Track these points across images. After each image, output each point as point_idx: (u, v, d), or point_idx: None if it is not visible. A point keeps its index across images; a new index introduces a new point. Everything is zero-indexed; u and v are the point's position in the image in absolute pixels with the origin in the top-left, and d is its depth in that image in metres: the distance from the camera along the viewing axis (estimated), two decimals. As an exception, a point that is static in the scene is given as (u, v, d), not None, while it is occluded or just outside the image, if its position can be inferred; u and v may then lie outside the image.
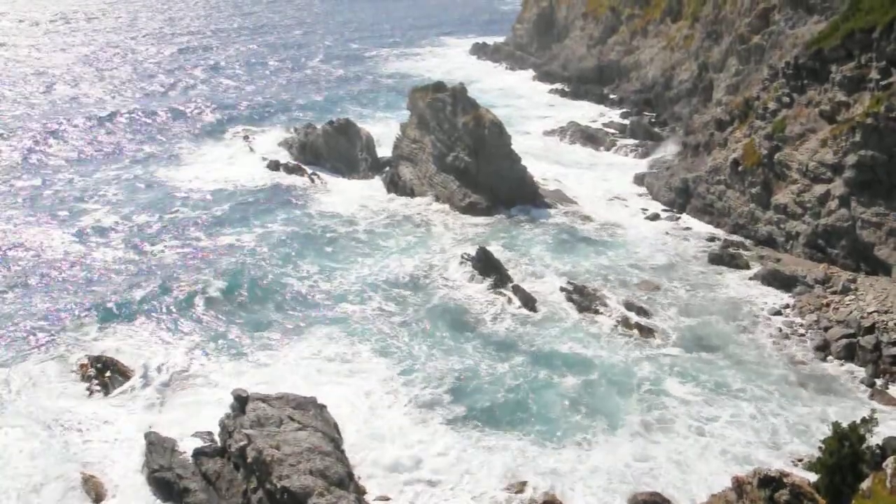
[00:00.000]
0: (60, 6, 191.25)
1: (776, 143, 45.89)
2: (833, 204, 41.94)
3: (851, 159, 40.53)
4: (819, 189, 42.87)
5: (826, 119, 43.87)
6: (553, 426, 30.06)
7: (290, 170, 61.65)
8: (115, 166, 62.28)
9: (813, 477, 22.39)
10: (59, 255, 44.38)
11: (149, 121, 75.82)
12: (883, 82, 40.50)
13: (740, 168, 48.13)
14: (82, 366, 32.61)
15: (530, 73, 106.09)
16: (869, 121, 39.61)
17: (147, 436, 27.55)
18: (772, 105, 47.65)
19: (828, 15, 51.80)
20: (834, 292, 39.45)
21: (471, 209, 52.78)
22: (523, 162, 55.20)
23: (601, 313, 38.68)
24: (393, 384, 32.45)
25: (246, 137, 70.10)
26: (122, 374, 32.60)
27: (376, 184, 59.07)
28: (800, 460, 27.90)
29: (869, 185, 40.14)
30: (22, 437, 28.05)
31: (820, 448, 23.44)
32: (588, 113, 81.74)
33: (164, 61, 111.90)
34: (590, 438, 29.33)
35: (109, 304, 38.50)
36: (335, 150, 63.31)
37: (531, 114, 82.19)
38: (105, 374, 32.09)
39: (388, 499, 26.05)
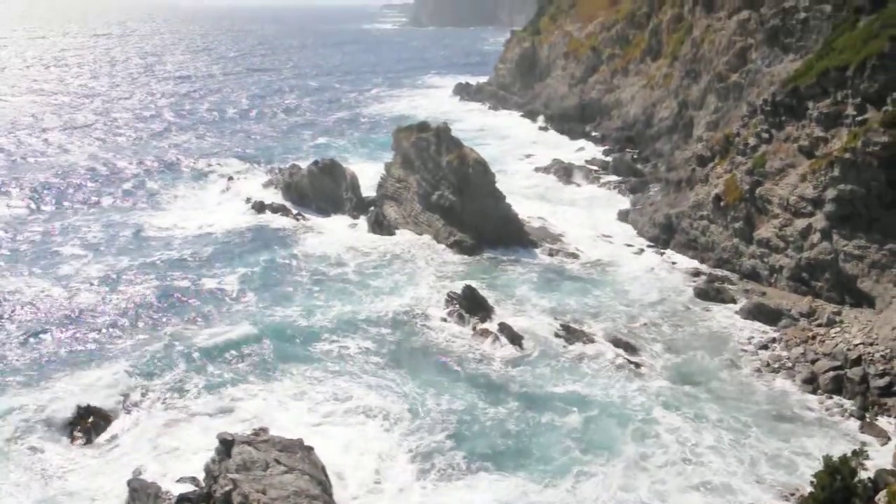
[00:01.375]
0: (39, 50, 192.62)
1: (757, 178, 46.54)
2: (815, 237, 42.42)
3: (831, 193, 41.13)
4: (800, 223, 43.40)
5: (805, 154, 44.61)
6: (551, 464, 29.72)
7: (275, 211, 61.63)
8: (97, 212, 61.81)
9: (806, 512, 22.26)
10: (40, 303, 43.61)
11: (132, 165, 75.56)
12: (859, 118, 41.34)
13: (722, 203, 48.67)
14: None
15: (513, 112, 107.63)
16: (847, 156, 40.30)
17: (130, 482, 26.91)
18: (751, 141, 48.42)
19: (802, 54, 53.02)
20: (819, 325, 39.69)
21: (456, 247, 52.87)
22: (508, 199, 55.54)
23: (589, 351, 38.58)
24: (387, 428, 31.78)
25: (230, 179, 70.16)
26: (105, 419, 31.98)
27: (361, 223, 59.09)
28: (792, 494, 27.77)
29: (849, 218, 40.69)
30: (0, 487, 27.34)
31: (811, 482, 23.33)
32: (571, 151, 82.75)
33: (147, 106, 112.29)
34: (586, 471, 29.13)
35: (91, 350, 37.98)
36: (320, 190, 63.45)
37: (515, 152, 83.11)
38: (87, 420, 31.45)
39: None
